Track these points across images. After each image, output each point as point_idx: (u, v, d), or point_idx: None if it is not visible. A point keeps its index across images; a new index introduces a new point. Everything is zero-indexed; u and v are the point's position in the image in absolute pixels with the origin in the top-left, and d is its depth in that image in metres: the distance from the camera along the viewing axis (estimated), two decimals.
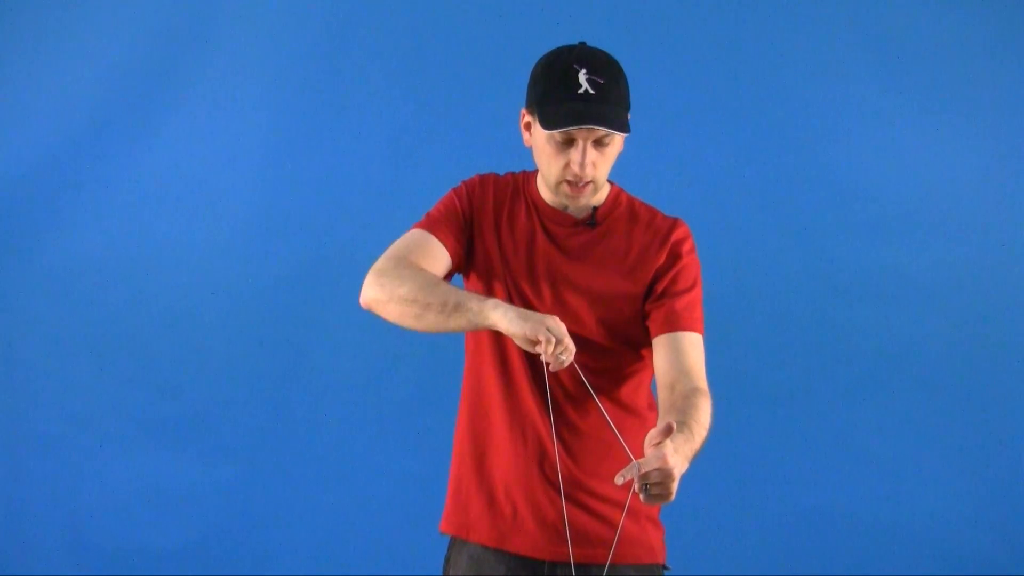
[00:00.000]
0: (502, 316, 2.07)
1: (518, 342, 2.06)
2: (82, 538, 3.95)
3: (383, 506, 3.87)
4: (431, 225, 2.31)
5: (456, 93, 3.89)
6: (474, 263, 2.33)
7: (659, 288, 2.25)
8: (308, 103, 3.94)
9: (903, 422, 3.75)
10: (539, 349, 2.02)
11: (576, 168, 2.18)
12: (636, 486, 1.86)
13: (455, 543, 2.36)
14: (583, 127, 2.14)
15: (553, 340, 2.01)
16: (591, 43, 2.26)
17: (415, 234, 2.30)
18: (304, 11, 3.93)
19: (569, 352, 2.04)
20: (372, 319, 3.88)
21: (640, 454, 2.23)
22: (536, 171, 2.33)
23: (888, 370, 3.76)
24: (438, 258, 2.27)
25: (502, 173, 2.39)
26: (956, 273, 3.75)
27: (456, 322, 2.14)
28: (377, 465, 3.88)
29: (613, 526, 2.25)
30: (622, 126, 2.17)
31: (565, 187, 2.22)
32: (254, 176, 3.96)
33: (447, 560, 2.38)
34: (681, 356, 2.20)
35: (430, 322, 2.16)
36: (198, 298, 3.95)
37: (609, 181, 2.34)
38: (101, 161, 3.96)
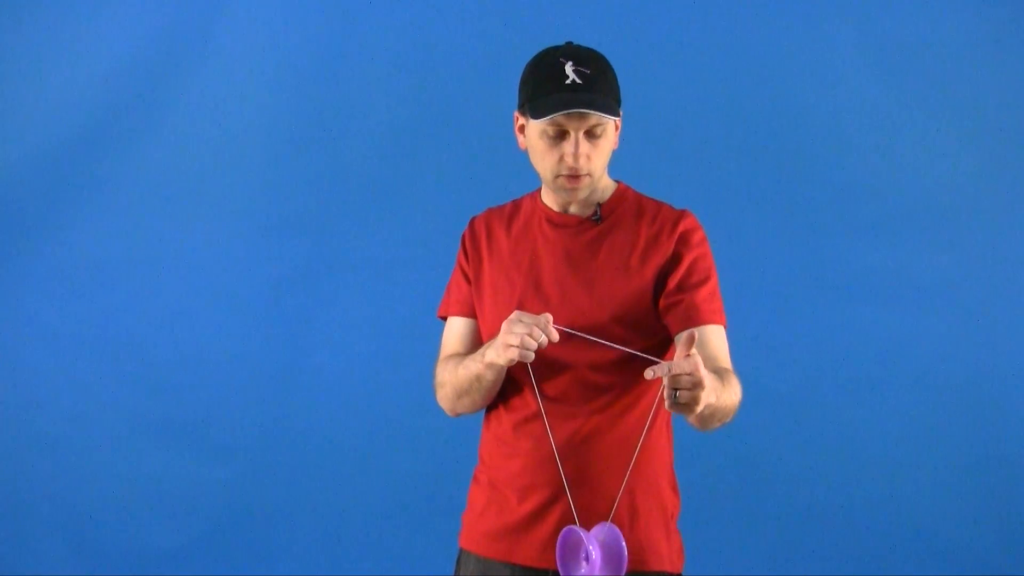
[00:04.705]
0: (492, 355, 2.13)
1: (518, 359, 2.08)
2: (82, 538, 3.95)
3: (382, 506, 3.87)
4: (446, 307, 2.41)
5: (456, 93, 3.89)
6: (482, 298, 2.35)
7: (673, 283, 2.23)
8: (308, 103, 3.94)
9: (903, 422, 3.75)
10: (524, 356, 2.05)
11: (570, 160, 2.19)
12: (665, 392, 1.89)
13: (464, 551, 2.37)
14: (572, 112, 2.15)
15: (516, 341, 2.04)
16: (593, 43, 2.27)
17: (444, 327, 2.41)
18: (304, 11, 3.93)
19: (541, 329, 2.04)
20: (371, 319, 3.93)
21: (650, 462, 2.25)
22: (541, 186, 2.34)
23: (888, 370, 3.76)
24: (465, 334, 2.37)
25: (501, 184, 2.44)
26: (956, 273, 3.75)
27: (486, 383, 2.23)
28: (377, 465, 3.88)
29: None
30: (611, 112, 2.18)
31: (563, 180, 2.22)
32: (254, 176, 3.96)
33: (458, 562, 2.38)
34: (705, 347, 2.20)
35: (480, 395, 2.27)
36: (198, 298, 3.95)
37: (616, 180, 2.34)
38: (101, 161, 3.96)
